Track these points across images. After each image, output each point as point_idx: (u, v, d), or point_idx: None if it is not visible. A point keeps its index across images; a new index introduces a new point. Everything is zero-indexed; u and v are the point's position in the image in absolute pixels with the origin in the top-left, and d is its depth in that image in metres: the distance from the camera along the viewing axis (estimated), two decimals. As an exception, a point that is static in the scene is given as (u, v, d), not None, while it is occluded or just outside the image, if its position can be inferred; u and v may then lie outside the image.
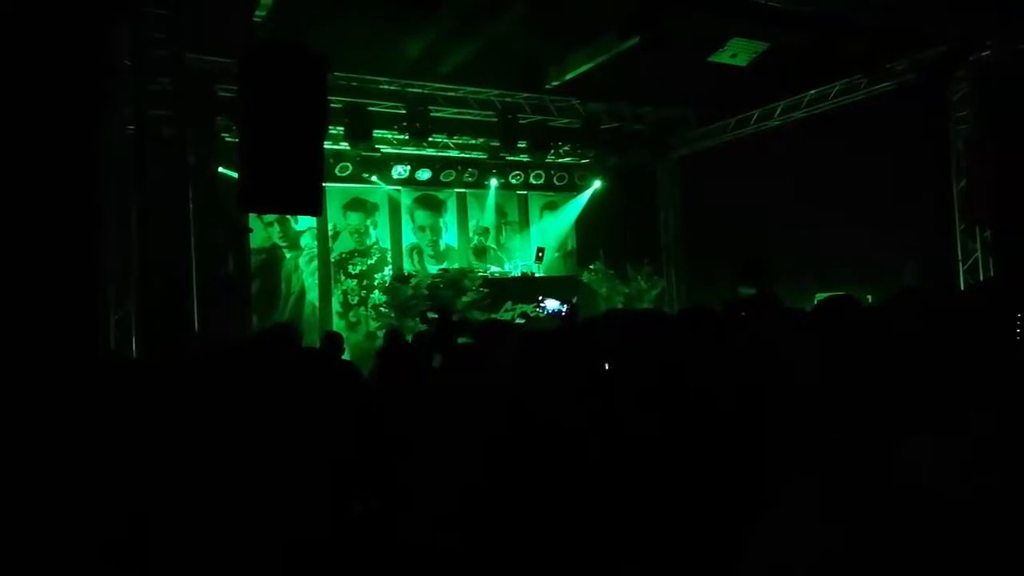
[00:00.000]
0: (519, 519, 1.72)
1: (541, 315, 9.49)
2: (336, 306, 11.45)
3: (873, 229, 8.73)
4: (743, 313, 2.39)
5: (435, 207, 12.50)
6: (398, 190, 12.03)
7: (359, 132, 10.08)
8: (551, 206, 13.49)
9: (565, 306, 8.49)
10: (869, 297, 7.25)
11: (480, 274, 10.99)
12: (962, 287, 8.52)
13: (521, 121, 11.03)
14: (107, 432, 2.36)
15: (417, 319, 9.46)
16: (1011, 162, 7.84)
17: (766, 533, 1.00)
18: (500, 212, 12.93)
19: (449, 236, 12.58)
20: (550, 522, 1.66)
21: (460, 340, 4.44)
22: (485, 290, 10.40)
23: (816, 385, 1.67)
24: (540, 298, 9.71)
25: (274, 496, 2.40)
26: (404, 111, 10.31)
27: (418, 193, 12.26)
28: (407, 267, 11.85)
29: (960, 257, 8.76)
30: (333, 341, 5.04)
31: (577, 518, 1.64)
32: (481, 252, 12.17)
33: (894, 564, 0.88)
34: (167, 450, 2.36)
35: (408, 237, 12.23)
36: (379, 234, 11.95)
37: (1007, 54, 7.98)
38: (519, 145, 11.22)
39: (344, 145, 10.52)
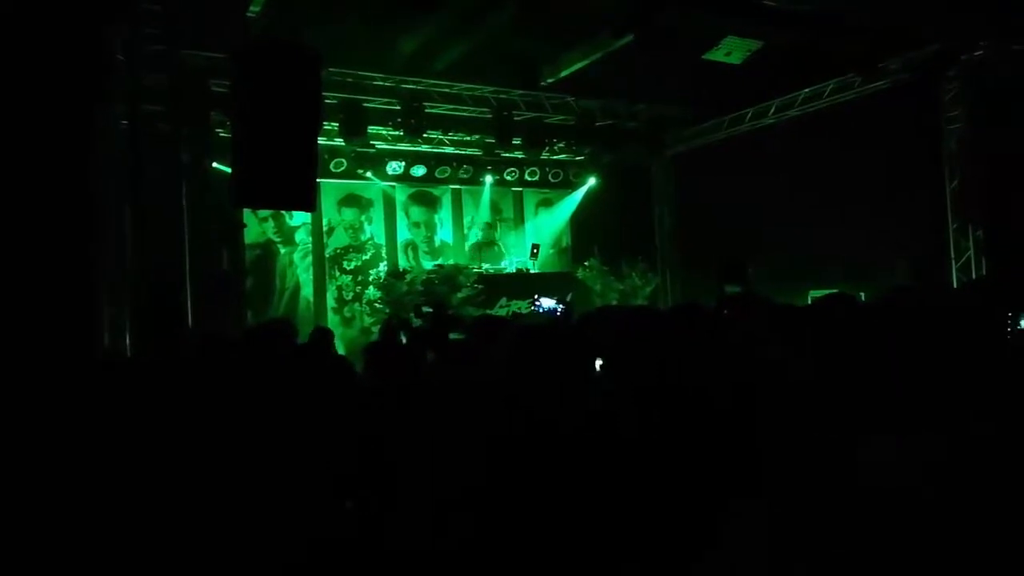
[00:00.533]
0: (515, 517, 1.73)
1: (538, 312, 9.49)
2: (331, 302, 11.43)
3: (867, 227, 8.78)
4: (725, 311, 2.40)
5: (430, 203, 12.48)
6: (393, 186, 12.01)
7: (354, 128, 10.07)
8: (546, 203, 13.48)
9: (560, 305, 8.49)
10: (862, 295, 7.28)
11: (475, 270, 10.99)
12: (954, 285, 8.57)
13: (516, 118, 11.03)
14: (101, 430, 2.36)
15: (411, 314, 9.46)
16: (1003, 161, 7.88)
17: (756, 534, 1.01)
18: (495, 209, 12.92)
19: (444, 232, 12.57)
20: (547, 520, 1.67)
21: (453, 336, 4.45)
22: (480, 286, 10.40)
23: (810, 382, 1.69)
24: (536, 296, 9.71)
25: (271, 496, 2.40)
26: (399, 107, 10.30)
27: (413, 189, 12.25)
28: (402, 263, 11.83)
29: (953, 255, 8.81)
30: (323, 336, 5.01)
31: (574, 516, 1.65)
32: (485, 246, 12.11)
33: (878, 564, 0.89)
34: (162, 449, 2.36)
35: (403, 233, 12.22)
36: (374, 230, 11.94)
37: (999, 54, 8.01)
38: (514, 142, 11.23)
39: (339, 141, 10.51)
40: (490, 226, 12.51)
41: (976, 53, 8.23)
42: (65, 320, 5.53)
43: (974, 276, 8.56)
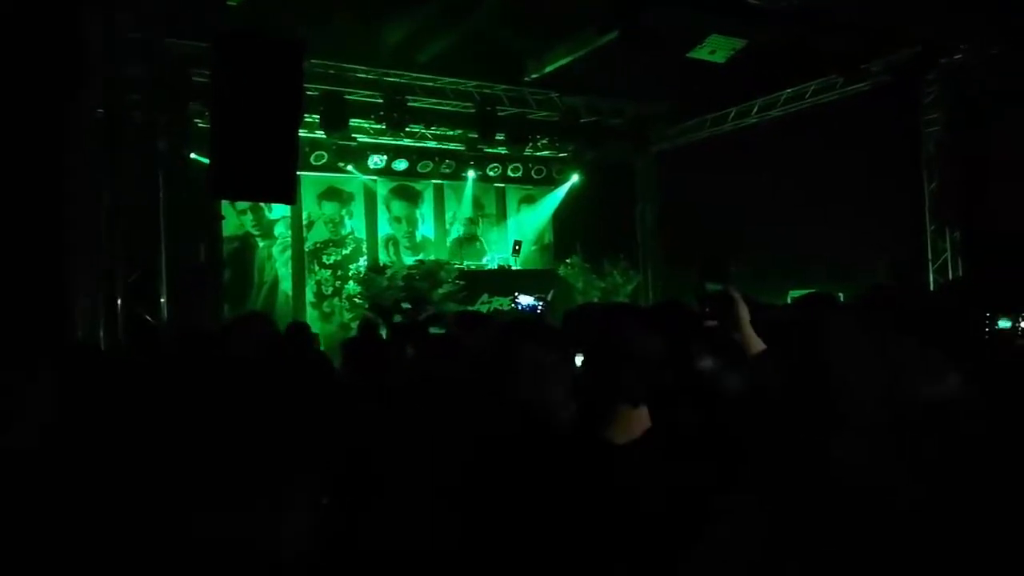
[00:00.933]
0: (501, 517, 1.70)
1: (517, 311, 9.47)
2: (310, 296, 11.34)
3: (848, 227, 8.85)
4: (707, 309, 2.38)
5: (411, 198, 12.42)
6: (374, 180, 11.92)
7: (335, 121, 9.97)
8: (529, 199, 13.47)
9: (540, 303, 8.47)
10: (841, 295, 7.33)
11: (456, 266, 10.95)
12: (931, 286, 8.67)
13: (499, 113, 10.99)
14: (75, 424, 2.30)
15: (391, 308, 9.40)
16: (980, 164, 7.97)
17: (747, 532, 0.99)
18: (477, 204, 12.88)
19: (425, 227, 12.52)
20: (533, 519, 1.64)
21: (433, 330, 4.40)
22: (461, 282, 10.35)
23: (791, 382, 1.67)
24: (515, 294, 9.69)
25: (249, 494, 2.35)
26: (381, 100, 10.21)
27: (394, 183, 12.17)
28: (382, 258, 11.76)
29: (930, 257, 8.91)
30: (300, 331, 4.93)
31: (561, 515, 1.62)
32: (467, 242, 12.05)
33: (871, 564, 0.87)
34: (136, 443, 2.31)
35: (384, 228, 12.14)
36: (354, 224, 11.85)
37: (978, 57, 8.10)
38: (497, 137, 11.19)
39: (320, 133, 10.39)
40: (472, 222, 12.46)
41: (955, 56, 8.32)
42: (37, 312, 5.42)
43: (951, 277, 8.66)
